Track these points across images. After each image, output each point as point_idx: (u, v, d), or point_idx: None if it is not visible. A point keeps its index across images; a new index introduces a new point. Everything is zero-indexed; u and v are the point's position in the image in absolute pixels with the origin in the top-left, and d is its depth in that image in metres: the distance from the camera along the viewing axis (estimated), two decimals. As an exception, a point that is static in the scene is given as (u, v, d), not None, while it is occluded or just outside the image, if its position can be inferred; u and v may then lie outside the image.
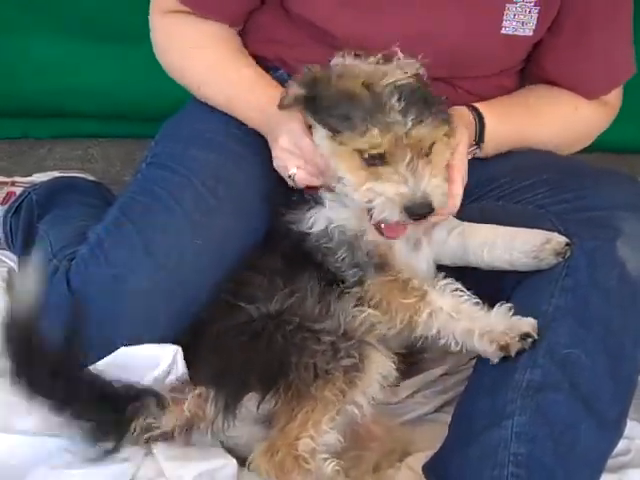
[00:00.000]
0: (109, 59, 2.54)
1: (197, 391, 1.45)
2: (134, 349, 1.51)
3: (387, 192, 1.37)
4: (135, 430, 1.42)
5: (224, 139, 1.69)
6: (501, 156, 1.69)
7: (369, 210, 1.42)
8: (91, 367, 1.49)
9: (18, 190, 2.13)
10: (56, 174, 2.20)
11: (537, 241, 1.46)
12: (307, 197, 1.53)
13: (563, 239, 1.46)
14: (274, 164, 1.58)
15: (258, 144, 1.65)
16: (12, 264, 1.94)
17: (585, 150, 1.83)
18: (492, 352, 1.41)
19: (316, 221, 1.51)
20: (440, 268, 1.57)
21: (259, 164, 1.65)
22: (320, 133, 1.47)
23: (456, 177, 1.47)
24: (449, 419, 1.50)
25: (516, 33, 1.63)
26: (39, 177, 2.23)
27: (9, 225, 2.01)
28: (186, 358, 1.51)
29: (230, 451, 1.48)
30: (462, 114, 1.62)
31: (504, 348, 1.40)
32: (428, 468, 1.45)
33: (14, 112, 2.64)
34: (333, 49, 1.53)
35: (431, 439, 1.52)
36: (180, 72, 1.77)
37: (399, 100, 1.37)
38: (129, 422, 1.42)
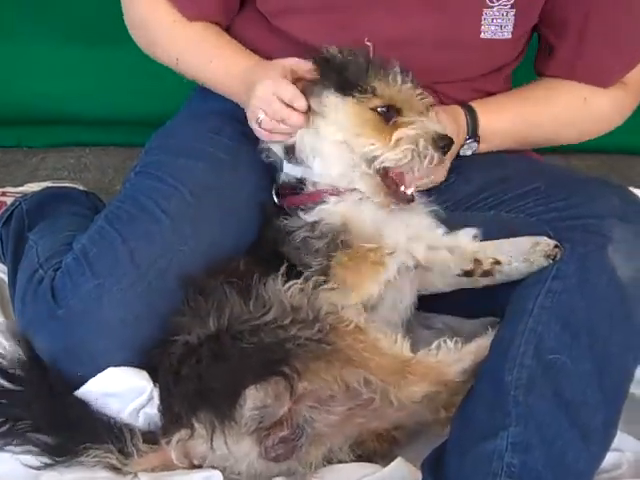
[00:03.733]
0: (103, 65, 2.55)
1: (176, 437, 1.40)
2: (120, 372, 1.50)
3: (418, 132, 1.46)
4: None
5: (213, 149, 1.68)
6: (491, 165, 1.68)
7: (385, 172, 1.50)
8: (81, 389, 1.49)
9: (9, 200, 2.11)
10: (48, 184, 2.19)
11: (526, 245, 1.48)
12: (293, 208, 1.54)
13: (552, 241, 1.47)
14: (248, 117, 1.57)
15: (248, 154, 1.64)
16: (2, 275, 1.92)
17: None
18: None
19: (316, 214, 1.53)
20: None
21: (248, 174, 1.65)
22: (334, 100, 1.51)
23: None
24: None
25: (495, 37, 1.64)
26: (31, 187, 2.22)
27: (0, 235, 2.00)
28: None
29: None
30: (453, 108, 1.65)
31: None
32: (427, 465, 1.44)
33: (8, 120, 2.64)
34: None
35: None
36: (159, 46, 1.75)
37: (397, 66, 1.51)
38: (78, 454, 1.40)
